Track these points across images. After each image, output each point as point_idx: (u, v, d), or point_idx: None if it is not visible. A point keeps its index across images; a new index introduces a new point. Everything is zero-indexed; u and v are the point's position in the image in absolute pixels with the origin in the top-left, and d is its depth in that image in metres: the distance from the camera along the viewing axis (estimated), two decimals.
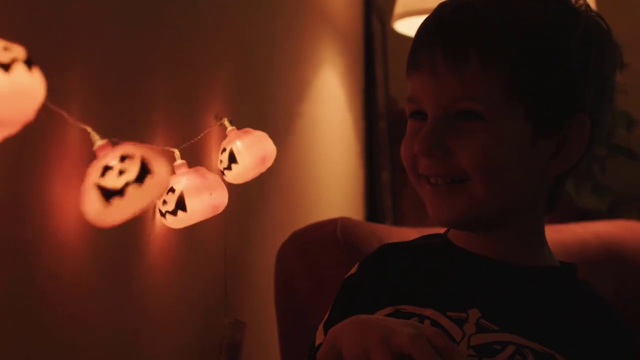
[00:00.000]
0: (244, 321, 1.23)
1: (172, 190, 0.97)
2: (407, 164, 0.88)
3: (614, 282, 1.44)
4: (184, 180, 0.97)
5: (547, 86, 0.83)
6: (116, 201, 0.75)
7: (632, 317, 1.40)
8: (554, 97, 0.84)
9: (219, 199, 1.00)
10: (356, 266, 0.95)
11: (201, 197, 0.97)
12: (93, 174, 0.76)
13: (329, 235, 1.23)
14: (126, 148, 0.77)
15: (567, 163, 0.87)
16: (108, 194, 0.75)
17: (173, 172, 0.98)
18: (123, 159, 0.76)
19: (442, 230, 0.95)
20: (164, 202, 0.97)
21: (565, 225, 1.51)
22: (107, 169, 0.76)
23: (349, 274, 0.94)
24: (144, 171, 0.76)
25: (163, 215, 0.97)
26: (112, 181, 0.75)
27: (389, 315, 0.85)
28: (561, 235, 1.45)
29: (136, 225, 0.94)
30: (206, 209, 0.98)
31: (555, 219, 2.08)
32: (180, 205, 0.96)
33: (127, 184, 0.75)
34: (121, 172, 0.75)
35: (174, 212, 0.96)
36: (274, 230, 1.50)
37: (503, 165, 0.83)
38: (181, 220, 0.97)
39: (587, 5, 0.88)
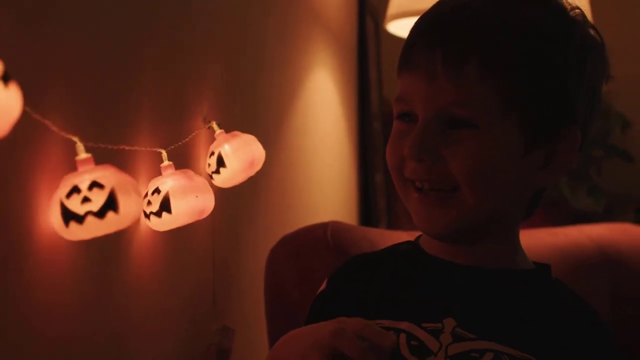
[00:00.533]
0: (233, 327, 1.21)
1: (157, 191, 0.95)
2: (392, 167, 0.86)
3: (609, 284, 1.43)
4: (170, 182, 0.96)
5: (546, 88, 0.81)
6: (73, 225, 0.75)
7: (627, 319, 1.39)
8: (549, 104, 0.82)
9: (205, 203, 0.98)
10: (325, 282, 0.93)
11: (187, 199, 0.96)
12: (62, 189, 0.75)
13: (319, 239, 1.21)
14: (102, 173, 0.76)
15: (555, 175, 0.85)
16: (68, 216, 0.75)
17: (159, 174, 0.97)
18: (93, 186, 0.75)
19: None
20: (149, 202, 0.95)
21: (560, 229, 1.50)
22: (75, 189, 0.75)
23: (319, 290, 0.93)
24: (108, 206, 0.76)
25: (147, 216, 0.95)
26: (75, 206, 0.75)
27: None
28: (556, 238, 1.44)
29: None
30: (191, 212, 0.96)
31: (551, 221, 2.08)
32: (165, 206, 0.94)
33: (88, 213, 0.74)
34: (86, 200, 0.75)
35: (158, 214, 0.95)
36: (265, 234, 1.48)
37: (494, 175, 0.81)
38: (165, 223, 0.95)
39: (584, 16, 0.86)
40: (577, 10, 0.86)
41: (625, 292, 1.43)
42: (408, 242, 0.94)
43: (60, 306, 0.83)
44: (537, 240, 1.43)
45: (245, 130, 1.14)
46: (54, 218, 0.76)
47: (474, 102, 0.80)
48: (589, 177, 2.29)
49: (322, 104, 2.00)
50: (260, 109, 1.51)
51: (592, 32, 0.86)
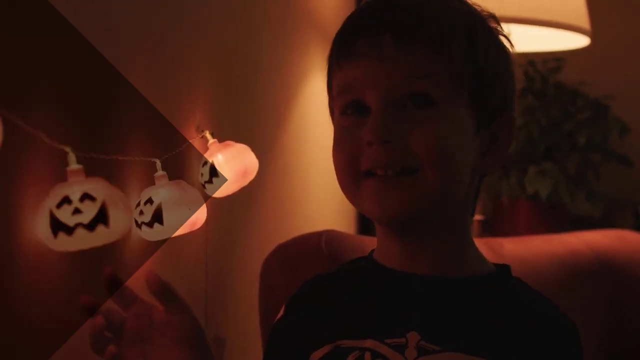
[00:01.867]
0: (224, 337, 1.20)
1: (150, 201, 0.95)
2: (345, 163, 0.84)
3: (607, 291, 1.43)
4: (163, 192, 0.96)
5: (486, 67, 0.83)
6: (62, 236, 0.75)
7: (625, 325, 1.39)
8: (491, 83, 0.84)
9: (198, 215, 0.98)
10: (283, 309, 0.92)
11: (179, 210, 0.96)
12: (52, 199, 0.75)
13: (314, 248, 1.21)
14: (93, 185, 0.76)
15: (495, 161, 0.86)
16: (57, 227, 0.75)
17: (152, 183, 0.97)
18: (84, 197, 0.75)
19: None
20: (141, 212, 0.95)
21: (557, 236, 1.50)
22: (65, 200, 0.74)
23: (277, 317, 0.91)
24: (99, 219, 0.75)
25: (138, 225, 0.95)
26: (65, 217, 0.75)
27: (327, 354, 0.83)
28: (552, 245, 1.44)
29: None
30: (183, 224, 0.96)
31: (550, 226, 2.07)
32: (157, 217, 0.94)
33: (77, 225, 0.74)
34: (77, 211, 0.74)
35: (149, 224, 0.95)
36: (260, 243, 1.48)
37: (454, 153, 0.81)
38: (156, 233, 0.95)
39: (498, 22, 0.88)
40: (486, 13, 0.88)
41: (622, 298, 1.43)
42: (362, 257, 0.93)
43: (48, 315, 0.82)
44: (533, 247, 1.43)
45: (240, 138, 1.14)
46: (42, 228, 0.75)
47: (429, 76, 0.80)
48: (587, 182, 2.28)
49: (319, 109, 1.99)
50: (256, 117, 1.51)
51: (505, 38, 0.89)
